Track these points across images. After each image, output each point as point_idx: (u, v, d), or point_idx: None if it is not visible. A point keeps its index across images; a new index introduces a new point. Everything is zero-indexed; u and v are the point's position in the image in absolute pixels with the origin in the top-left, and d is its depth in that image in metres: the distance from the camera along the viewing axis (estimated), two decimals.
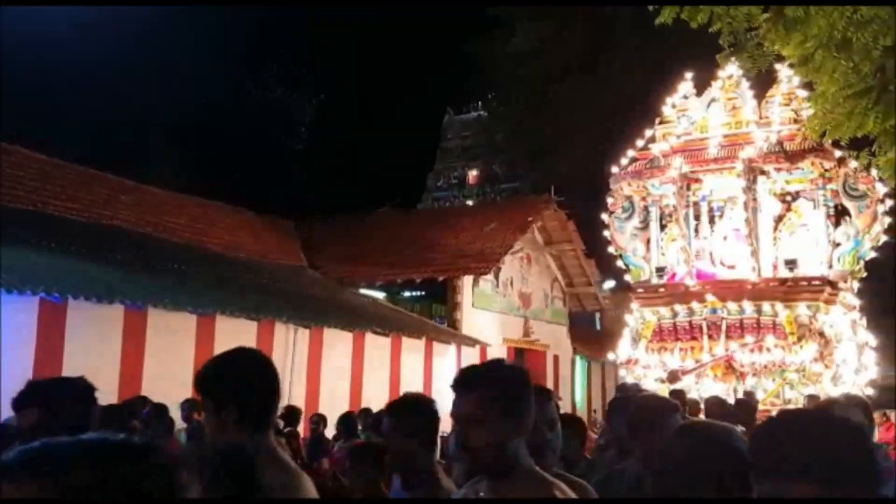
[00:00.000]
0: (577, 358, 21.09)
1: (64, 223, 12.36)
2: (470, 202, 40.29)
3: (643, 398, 3.66)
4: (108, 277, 10.39)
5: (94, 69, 23.72)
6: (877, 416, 8.81)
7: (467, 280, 16.87)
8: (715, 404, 6.73)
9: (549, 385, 18.53)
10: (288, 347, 12.00)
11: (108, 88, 23.96)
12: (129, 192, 15.15)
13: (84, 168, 14.63)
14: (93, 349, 9.22)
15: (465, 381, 2.09)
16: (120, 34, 23.76)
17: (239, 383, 2.25)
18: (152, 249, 13.15)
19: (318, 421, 8.73)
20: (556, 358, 19.90)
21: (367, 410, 8.82)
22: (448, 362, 15.50)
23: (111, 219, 13.79)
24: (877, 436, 7.47)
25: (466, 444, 2.02)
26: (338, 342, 12.91)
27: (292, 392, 11.89)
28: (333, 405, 10.37)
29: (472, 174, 49.50)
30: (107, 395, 7.91)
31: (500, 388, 2.04)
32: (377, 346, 13.59)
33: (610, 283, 20.18)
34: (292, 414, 8.66)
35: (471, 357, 16.09)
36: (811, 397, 9.27)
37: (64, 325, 9.22)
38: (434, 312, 17.68)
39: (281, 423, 7.98)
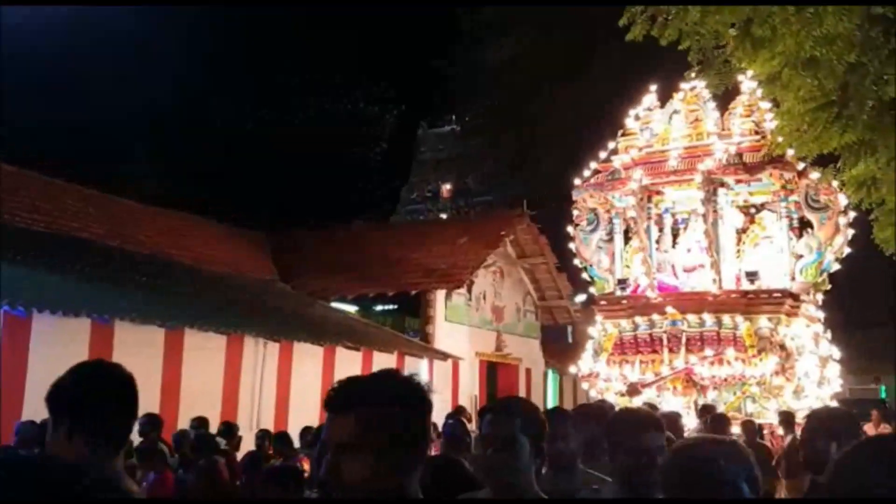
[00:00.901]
0: (550, 371, 21.14)
1: (30, 235, 12.17)
2: (444, 215, 40.33)
3: (621, 411, 3.60)
4: (75, 290, 10.25)
5: (58, 72, 23.33)
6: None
7: (440, 294, 16.85)
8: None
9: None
10: (257, 362, 11.91)
11: (74, 94, 23.61)
12: (99, 204, 14.98)
13: (52, 179, 14.45)
14: (58, 363, 8.94)
15: (343, 397, 1.67)
16: (89, 36, 23.33)
17: (84, 399, 2.00)
18: (120, 262, 12.99)
19: (263, 437, 8.42)
20: (528, 371, 19.93)
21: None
22: (420, 376, 15.44)
23: (80, 231, 13.61)
24: None
25: (338, 476, 1.61)
26: (308, 356, 12.81)
27: (262, 407, 11.79)
28: (303, 420, 10.27)
29: (446, 187, 49.54)
30: None
31: (388, 407, 1.65)
32: (348, 360, 13.49)
33: (582, 297, 20.28)
34: (230, 430, 8.41)
35: (443, 371, 16.05)
36: (784, 413, 9.30)
37: (29, 339, 9.05)
38: (406, 326, 17.65)
39: (223, 443, 7.82)
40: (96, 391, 2.03)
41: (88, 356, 9.66)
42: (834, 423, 3.11)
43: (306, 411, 12.13)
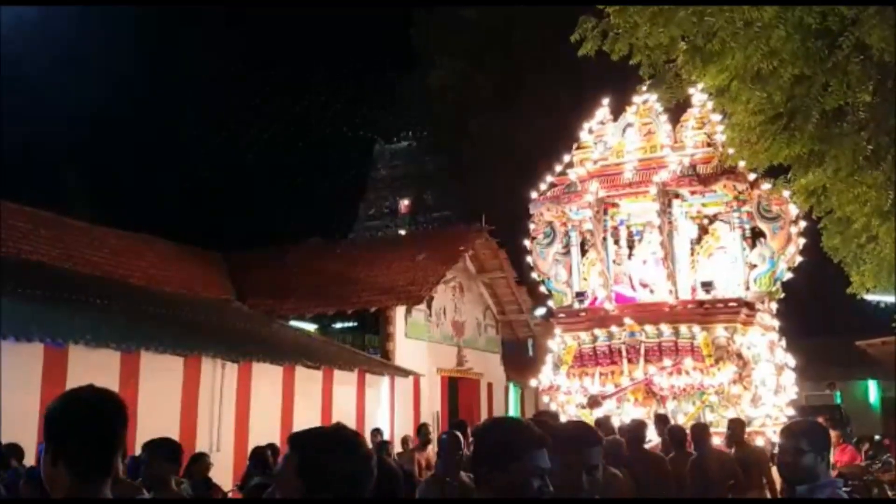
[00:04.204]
0: (511, 385, 21.18)
1: None
2: (402, 231, 40.27)
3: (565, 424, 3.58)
4: (27, 314, 10.01)
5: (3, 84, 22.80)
6: (833, 436, 8.89)
7: (400, 310, 16.81)
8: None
9: (483, 413, 18.56)
10: (216, 383, 11.74)
11: (21, 109, 23.07)
12: (50, 225, 14.69)
13: (1, 201, 14.14)
14: (10, 389, 8.84)
15: None
16: (35, 43, 22.81)
17: (63, 425, 2.04)
18: (73, 284, 12.74)
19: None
20: (489, 386, 19.95)
21: (272, 446, 8.54)
22: (381, 393, 15.39)
23: (31, 253, 13.33)
24: (832, 457, 7.56)
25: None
26: (267, 377, 12.67)
27: (221, 429, 11.61)
28: (263, 442, 10.14)
29: (404, 203, 49.47)
30: (26, 437, 7.59)
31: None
32: (308, 379, 13.39)
33: (541, 311, 20.36)
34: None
35: (404, 387, 16.00)
36: (733, 421, 9.34)
37: None
38: (367, 343, 17.55)
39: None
40: (75, 417, 2.07)
41: (42, 381, 9.46)
42: (807, 436, 3.15)
43: (266, 432, 11.98)
